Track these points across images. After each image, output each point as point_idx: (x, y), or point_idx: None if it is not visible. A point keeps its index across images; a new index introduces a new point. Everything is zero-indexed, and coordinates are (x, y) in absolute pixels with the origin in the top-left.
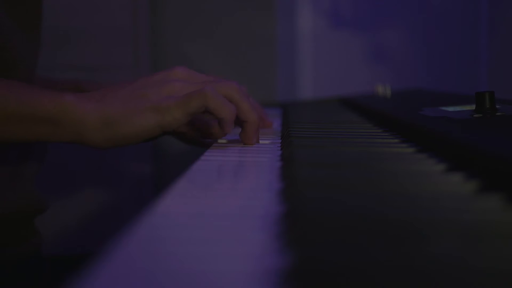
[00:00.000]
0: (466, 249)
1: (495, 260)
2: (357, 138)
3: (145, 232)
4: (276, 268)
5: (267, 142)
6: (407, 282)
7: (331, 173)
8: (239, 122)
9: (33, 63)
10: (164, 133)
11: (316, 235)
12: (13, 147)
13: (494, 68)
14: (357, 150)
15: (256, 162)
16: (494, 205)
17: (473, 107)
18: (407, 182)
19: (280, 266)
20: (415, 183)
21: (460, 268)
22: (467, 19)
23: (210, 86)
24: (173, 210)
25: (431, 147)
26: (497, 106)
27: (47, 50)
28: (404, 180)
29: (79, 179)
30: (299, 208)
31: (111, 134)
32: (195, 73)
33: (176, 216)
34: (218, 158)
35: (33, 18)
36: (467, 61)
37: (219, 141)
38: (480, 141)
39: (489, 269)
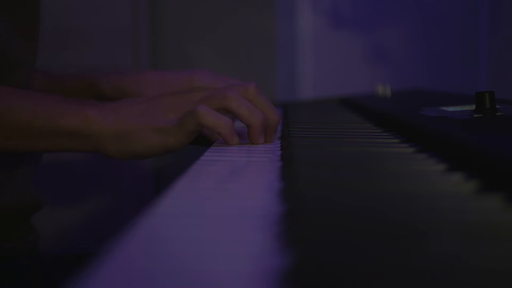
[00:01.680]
0: (466, 249)
1: (495, 260)
2: (357, 138)
3: (145, 232)
4: (276, 268)
5: None
6: (407, 282)
7: (331, 173)
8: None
9: (30, 67)
10: None
11: (316, 235)
12: None
13: (494, 68)
14: (357, 150)
15: (256, 162)
16: (494, 205)
17: (473, 107)
18: (407, 182)
19: (280, 266)
20: (415, 183)
21: (460, 268)
22: (467, 19)
23: (202, 102)
24: (173, 210)
25: (431, 147)
26: (497, 106)
27: (47, 50)
28: (404, 180)
29: (80, 179)
30: (299, 208)
31: (122, 149)
32: (217, 79)
33: (176, 216)
34: (218, 158)
35: (31, 23)
36: (467, 61)
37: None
38: (480, 141)
39: (489, 269)
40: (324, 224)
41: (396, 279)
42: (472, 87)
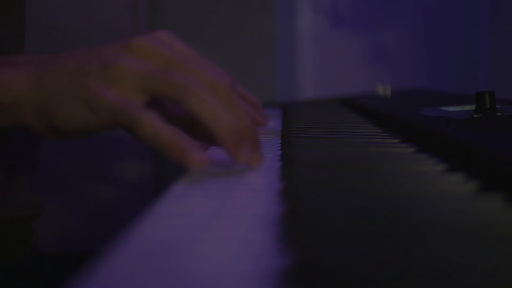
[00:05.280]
0: (466, 249)
1: (495, 260)
2: (357, 138)
3: (145, 232)
4: (276, 268)
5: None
6: (407, 282)
7: (331, 173)
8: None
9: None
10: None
11: (316, 235)
12: (3, 156)
13: (494, 68)
14: (357, 150)
15: None
16: (494, 205)
17: (473, 107)
18: (407, 182)
19: (280, 266)
20: (415, 183)
21: (459, 268)
22: (467, 19)
23: (151, 79)
24: (173, 210)
25: (431, 147)
26: (497, 106)
27: (47, 50)
28: (404, 180)
29: (80, 179)
30: (299, 208)
31: (49, 124)
32: (177, 43)
33: (175, 216)
34: (218, 158)
35: (16, 7)
36: (467, 61)
37: None
38: (480, 141)
39: (489, 269)
40: (324, 224)
41: (396, 279)
42: (472, 87)
